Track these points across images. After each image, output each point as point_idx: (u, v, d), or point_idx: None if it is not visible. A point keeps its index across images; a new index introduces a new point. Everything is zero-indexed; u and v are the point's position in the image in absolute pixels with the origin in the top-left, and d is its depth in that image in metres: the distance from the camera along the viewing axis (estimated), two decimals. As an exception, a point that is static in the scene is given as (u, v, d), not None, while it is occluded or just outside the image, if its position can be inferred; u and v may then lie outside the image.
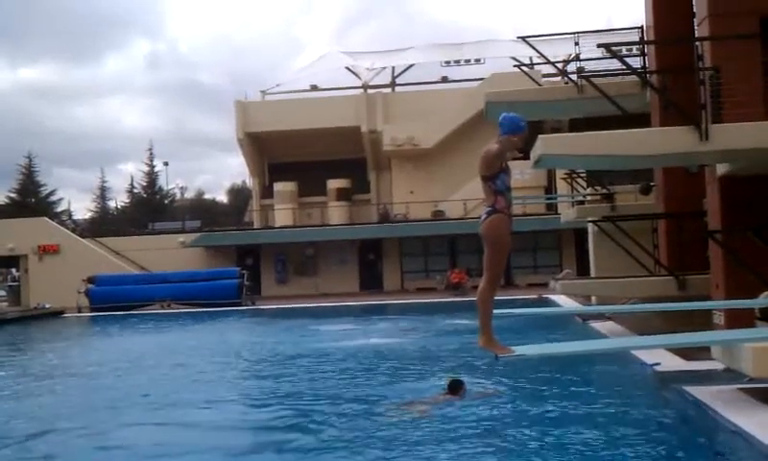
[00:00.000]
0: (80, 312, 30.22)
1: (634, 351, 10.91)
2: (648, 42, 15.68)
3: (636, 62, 15.19)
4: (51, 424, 9.13)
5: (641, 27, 16.73)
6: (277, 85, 42.77)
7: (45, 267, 35.05)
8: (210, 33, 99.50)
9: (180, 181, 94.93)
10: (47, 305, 31.40)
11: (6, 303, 35.72)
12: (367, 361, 13.13)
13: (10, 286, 37.56)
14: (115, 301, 30.00)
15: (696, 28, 12.25)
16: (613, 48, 11.76)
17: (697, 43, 10.80)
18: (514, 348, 6.79)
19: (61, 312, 30.19)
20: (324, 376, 11.87)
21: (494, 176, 6.26)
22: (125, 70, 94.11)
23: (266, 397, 10.33)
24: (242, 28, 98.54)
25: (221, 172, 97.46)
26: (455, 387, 8.88)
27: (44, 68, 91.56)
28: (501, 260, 6.37)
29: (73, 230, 40.05)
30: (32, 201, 57.05)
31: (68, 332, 24.95)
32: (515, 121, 6.32)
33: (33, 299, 33.96)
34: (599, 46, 12.20)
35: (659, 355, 10.37)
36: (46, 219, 39.25)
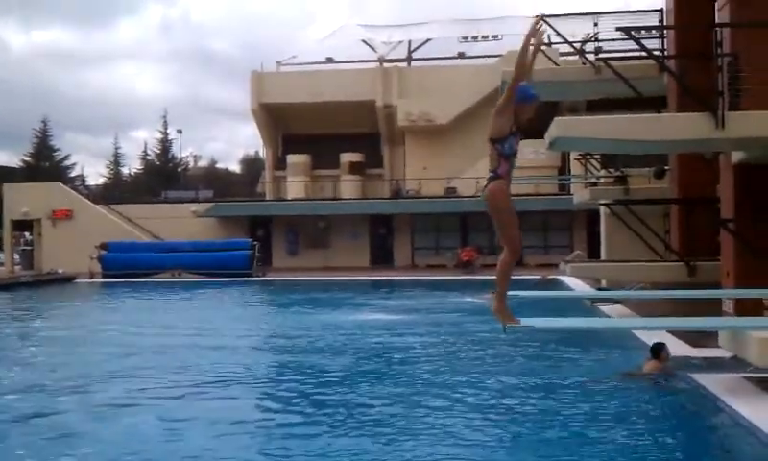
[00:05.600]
0: (92, 278, 30.49)
1: (640, 337, 10.93)
2: (667, 27, 15.55)
3: (654, 45, 15.08)
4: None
5: (661, 9, 16.59)
6: (293, 57, 42.68)
7: (58, 232, 35.28)
8: (225, 0, 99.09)
9: (192, 148, 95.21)
10: (60, 270, 31.67)
11: (19, 267, 36.01)
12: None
13: (23, 250, 37.78)
14: (127, 268, 30.24)
15: (717, 12, 12.13)
16: (632, 32, 11.65)
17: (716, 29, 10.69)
18: (520, 319, 6.86)
19: (74, 278, 30.43)
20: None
21: (503, 139, 6.23)
22: (139, 36, 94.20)
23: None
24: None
25: (232, 141, 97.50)
26: (657, 351, 9.07)
27: (58, 32, 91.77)
28: (512, 227, 6.26)
29: (86, 196, 40.24)
30: (46, 165, 57.38)
31: (81, 297, 25.19)
32: (524, 89, 6.32)
33: (45, 263, 34.24)
34: (618, 29, 12.10)
35: (665, 341, 10.37)
36: (60, 184, 39.40)
